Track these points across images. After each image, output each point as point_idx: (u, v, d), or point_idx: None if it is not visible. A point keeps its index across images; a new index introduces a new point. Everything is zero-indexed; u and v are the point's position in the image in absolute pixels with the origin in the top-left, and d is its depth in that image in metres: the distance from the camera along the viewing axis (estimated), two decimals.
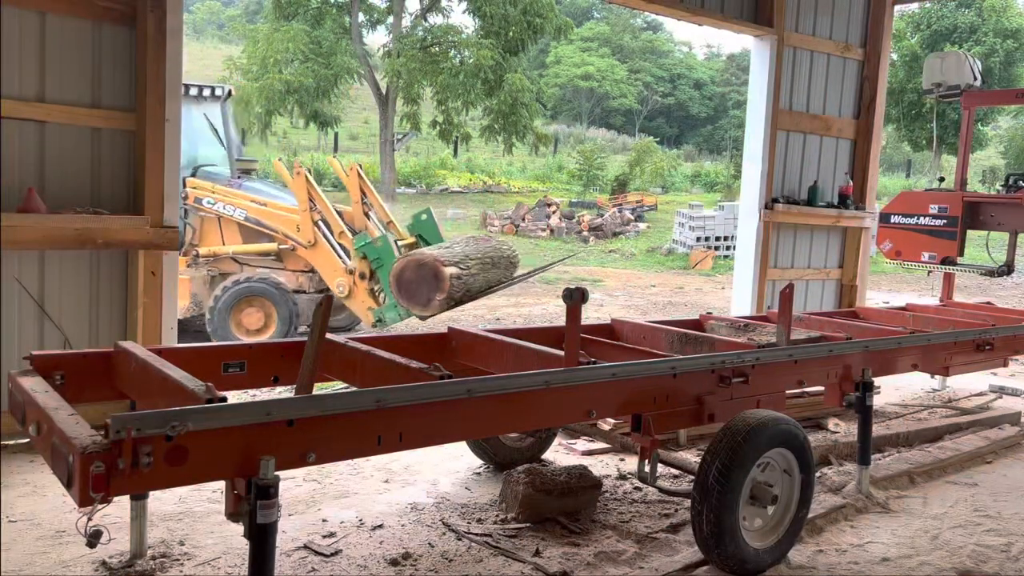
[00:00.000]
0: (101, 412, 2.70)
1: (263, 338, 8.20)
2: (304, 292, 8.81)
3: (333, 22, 27.40)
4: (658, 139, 46.02)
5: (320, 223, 8.18)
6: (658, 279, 17.04)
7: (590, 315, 10.81)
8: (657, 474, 3.63)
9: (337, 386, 4.48)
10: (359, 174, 8.26)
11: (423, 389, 2.73)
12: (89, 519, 2.30)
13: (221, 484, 2.51)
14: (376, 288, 7.93)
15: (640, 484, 4.33)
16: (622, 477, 4.52)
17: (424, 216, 8.16)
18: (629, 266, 19.00)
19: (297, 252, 8.43)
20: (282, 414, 2.44)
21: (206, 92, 9.10)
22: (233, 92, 10.26)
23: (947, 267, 6.90)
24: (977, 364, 5.24)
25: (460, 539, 3.62)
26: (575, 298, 3.24)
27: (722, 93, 59.62)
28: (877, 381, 4.32)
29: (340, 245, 8.10)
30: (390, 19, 29.31)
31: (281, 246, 8.62)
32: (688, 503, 3.64)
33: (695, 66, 63.66)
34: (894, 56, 32.75)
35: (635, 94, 56.04)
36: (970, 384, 6.94)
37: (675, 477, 4.55)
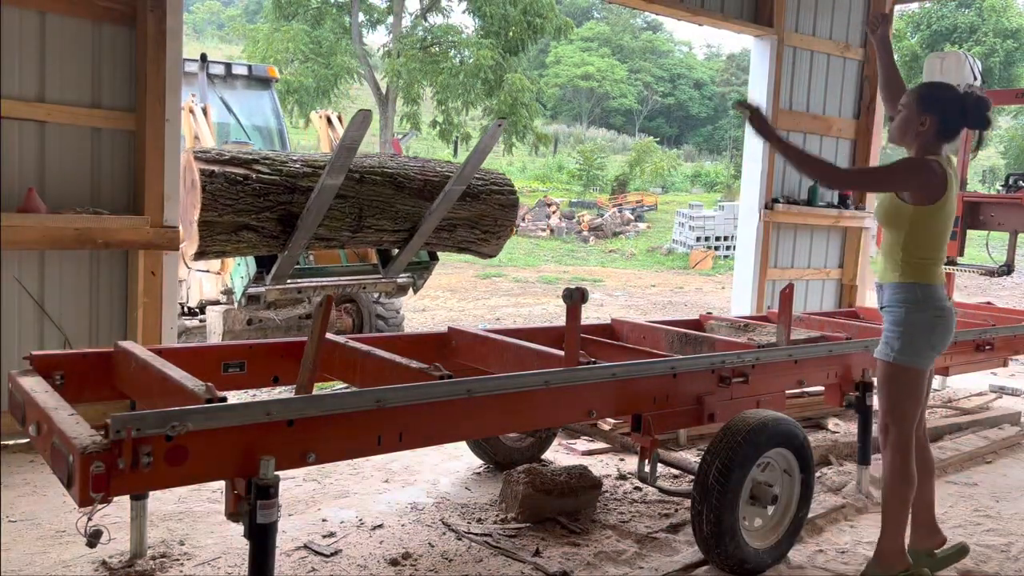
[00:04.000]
0: (101, 412, 2.71)
1: None
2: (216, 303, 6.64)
3: (333, 22, 27.37)
4: (658, 139, 46.06)
5: None
6: (658, 279, 17.04)
7: (590, 315, 10.81)
8: (657, 474, 3.63)
9: (337, 386, 4.48)
10: (330, 122, 6.99)
11: (423, 389, 2.73)
12: (89, 519, 2.30)
13: (221, 484, 2.51)
14: None
15: (640, 484, 4.33)
16: (622, 477, 4.52)
17: None
18: (629, 266, 19.01)
19: None
20: (282, 414, 2.44)
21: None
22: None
23: (947, 267, 6.89)
24: (977, 364, 5.24)
25: (460, 539, 3.62)
26: (575, 298, 3.24)
27: (722, 93, 59.59)
28: None
29: None
30: (390, 19, 29.28)
31: None
32: (688, 503, 3.64)
33: (695, 66, 63.62)
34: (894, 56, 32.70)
35: (635, 94, 56.03)
36: (970, 384, 6.94)
37: (675, 477, 4.54)
